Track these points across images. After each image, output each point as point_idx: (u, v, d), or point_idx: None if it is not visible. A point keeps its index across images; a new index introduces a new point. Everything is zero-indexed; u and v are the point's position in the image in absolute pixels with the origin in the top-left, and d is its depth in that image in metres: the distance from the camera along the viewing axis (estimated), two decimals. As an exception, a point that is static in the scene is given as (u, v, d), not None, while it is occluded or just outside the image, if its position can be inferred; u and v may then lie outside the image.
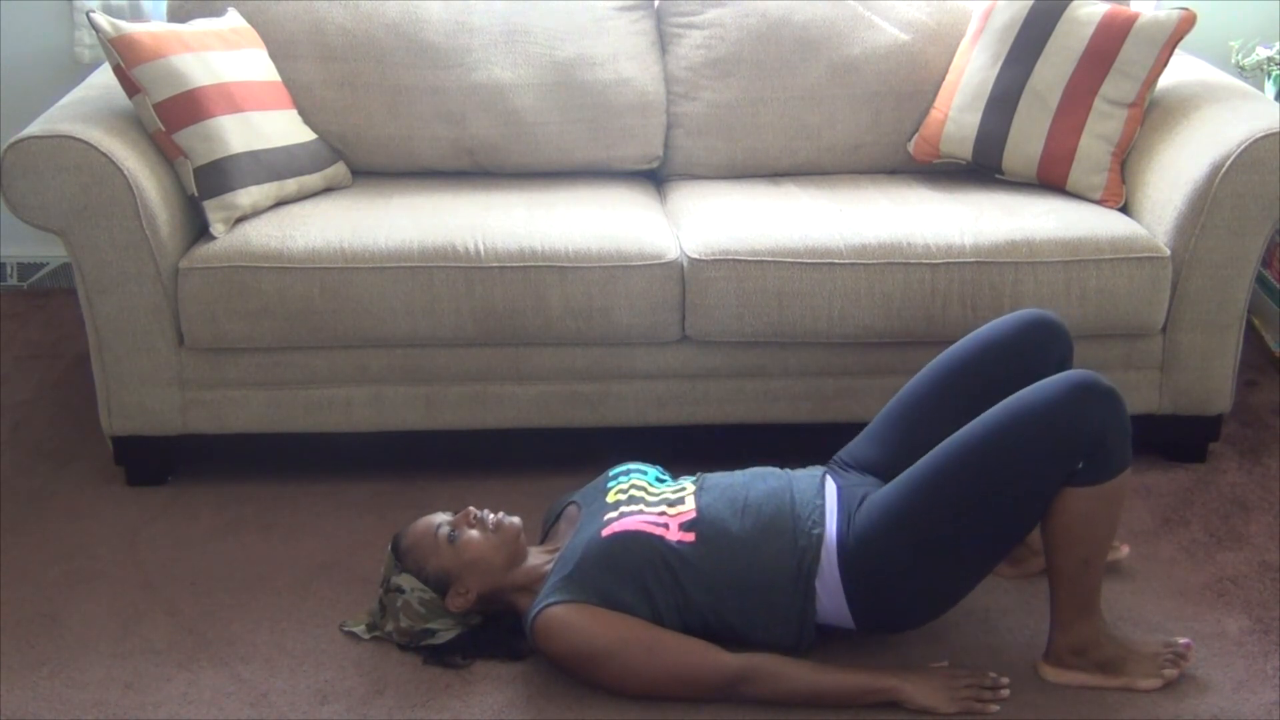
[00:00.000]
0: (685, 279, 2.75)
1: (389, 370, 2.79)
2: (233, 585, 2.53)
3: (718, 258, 2.74)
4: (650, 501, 2.32)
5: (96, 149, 2.62)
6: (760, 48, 3.18)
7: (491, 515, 2.32)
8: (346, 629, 2.40)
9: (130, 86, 2.75)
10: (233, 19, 3.04)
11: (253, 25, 3.06)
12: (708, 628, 2.23)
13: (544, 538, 2.50)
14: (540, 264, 2.71)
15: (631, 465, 2.47)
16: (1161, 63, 2.94)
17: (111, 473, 2.88)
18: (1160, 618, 2.43)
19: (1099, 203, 2.96)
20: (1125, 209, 2.96)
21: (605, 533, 2.23)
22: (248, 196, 2.80)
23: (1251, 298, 2.90)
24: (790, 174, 3.22)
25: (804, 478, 2.36)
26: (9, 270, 3.90)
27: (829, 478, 2.36)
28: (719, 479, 2.38)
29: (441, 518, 2.33)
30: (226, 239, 2.74)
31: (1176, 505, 2.80)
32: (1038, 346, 2.35)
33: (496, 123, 3.13)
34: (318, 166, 3.01)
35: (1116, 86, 2.94)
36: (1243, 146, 2.69)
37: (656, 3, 3.29)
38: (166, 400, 2.78)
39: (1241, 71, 3.47)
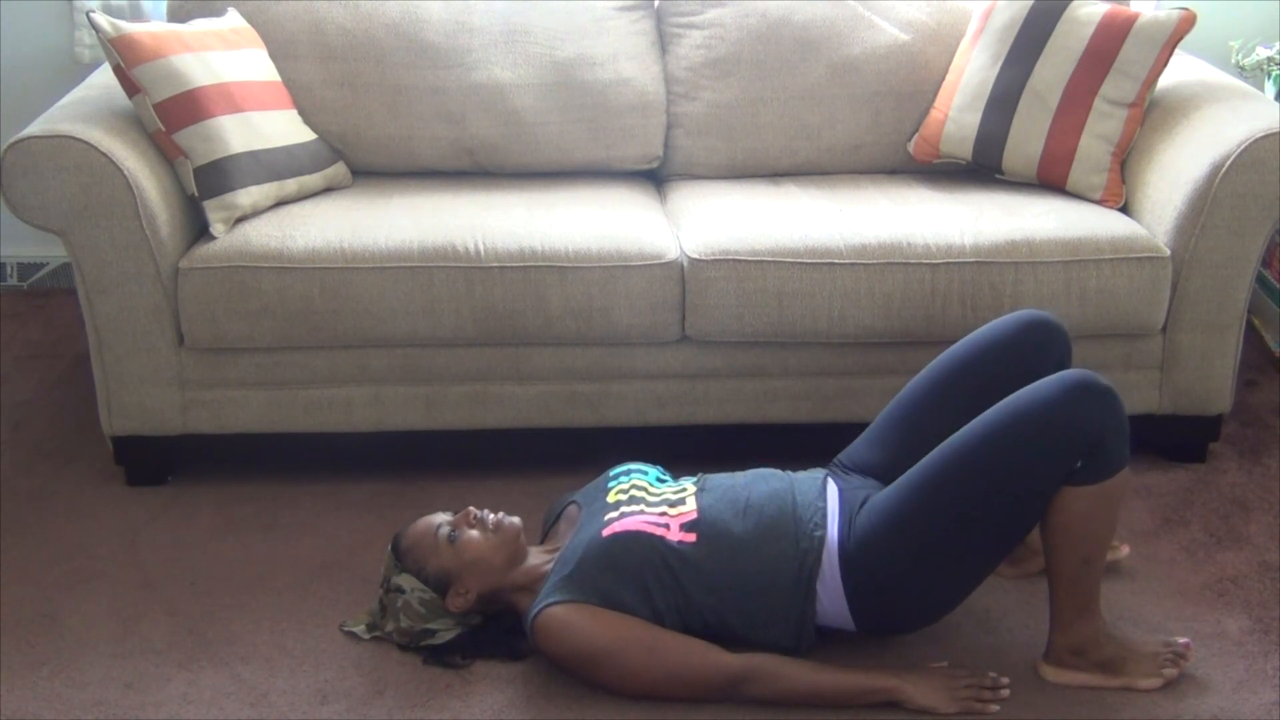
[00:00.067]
0: (685, 279, 2.75)
1: (389, 370, 2.79)
2: (233, 585, 2.53)
3: (718, 258, 2.74)
4: (651, 502, 2.32)
5: (96, 149, 2.62)
6: (760, 48, 3.18)
7: (491, 515, 2.32)
8: (346, 629, 2.40)
9: (130, 86, 2.75)
10: (233, 19, 3.04)
11: (253, 25, 3.06)
12: (708, 628, 2.23)
13: (544, 538, 2.50)
14: (540, 264, 2.71)
15: (632, 465, 2.47)
16: (1161, 63, 2.94)
17: (111, 473, 2.88)
18: (1160, 618, 2.43)
19: (1099, 203, 2.96)
20: (1125, 209, 2.96)
21: (606, 532, 2.24)
22: (248, 196, 2.80)
23: (1251, 298, 2.90)
24: (790, 174, 3.22)
25: (806, 480, 2.36)
26: (9, 270, 3.90)
27: (830, 480, 2.36)
28: (720, 480, 2.38)
29: (441, 518, 2.33)
30: (226, 239, 2.74)
31: (1176, 505, 2.80)
32: (1036, 347, 2.35)
33: (496, 123, 3.13)
34: (318, 166, 3.01)
35: (1116, 86, 2.94)
36: (1243, 146, 2.69)
37: (656, 3, 3.29)
38: (166, 400, 2.78)
39: (1241, 71, 3.47)
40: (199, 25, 2.93)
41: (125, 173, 2.63)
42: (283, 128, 2.95)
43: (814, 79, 3.19)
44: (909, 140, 3.21)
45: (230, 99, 2.81)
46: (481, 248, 2.72)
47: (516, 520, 2.33)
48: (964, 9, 3.21)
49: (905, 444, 2.33)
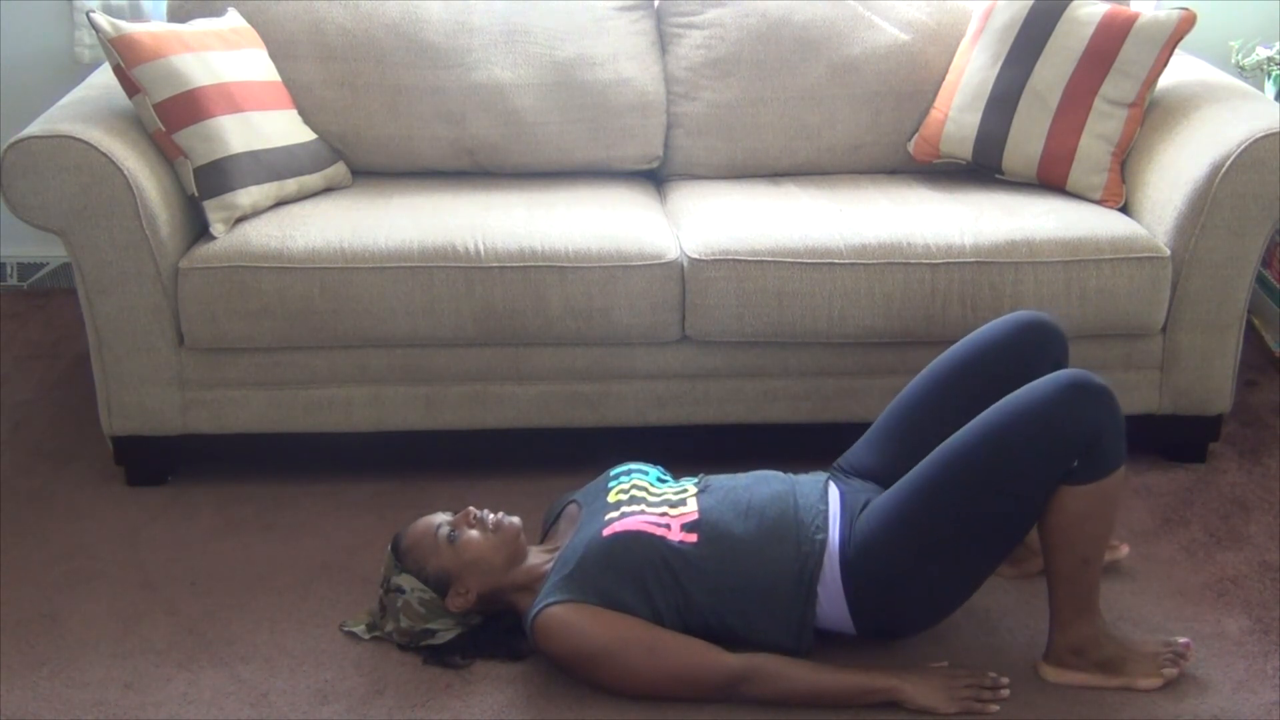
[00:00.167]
0: (685, 279, 2.75)
1: (389, 370, 2.79)
2: (233, 585, 2.53)
3: (718, 258, 2.74)
4: (651, 502, 2.32)
5: (96, 149, 2.62)
6: (760, 48, 3.18)
7: (491, 515, 2.32)
8: (346, 629, 2.40)
9: (130, 86, 2.75)
10: (233, 19, 3.04)
11: (253, 25, 3.06)
12: (708, 629, 2.23)
13: (544, 537, 2.50)
14: (540, 264, 2.71)
15: (632, 465, 2.47)
16: (1161, 63, 2.94)
17: (111, 473, 2.88)
18: (1160, 618, 2.43)
19: (1099, 203, 2.96)
20: (1125, 209, 2.96)
21: (606, 532, 2.23)
22: (248, 196, 2.80)
23: (1251, 298, 2.90)
24: (790, 174, 3.22)
25: (808, 482, 2.36)
26: (9, 270, 3.90)
27: (832, 484, 2.36)
28: (722, 481, 2.38)
29: (441, 518, 2.33)
30: (226, 239, 2.74)
31: (1176, 505, 2.80)
32: (1033, 348, 2.35)
33: (496, 123, 3.13)
34: (318, 166, 3.01)
35: (1116, 86, 2.94)
36: (1243, 146, 2.69)
37: (656, 3, 3.29)
38: (166, 400, 2.78)
39: (1241, 71, 3.47)
40: (199, 25, 2.93)
41: (125, 173, 2.63)
42: (283, 128, 2.95)
43: (814, 79, 3.19)
44: (909, 140, 3.21)
45: (230, 99, 2.81)
46: (481, 248, 2.72)
47: (516, 520, 2.33)
48: (964, 9, 3.21)
49: (904, 447, 2.33)
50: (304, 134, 3.02)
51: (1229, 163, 2.69)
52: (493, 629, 2.34)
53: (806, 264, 2.73)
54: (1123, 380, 2.84)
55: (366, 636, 2.37)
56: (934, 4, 3.23)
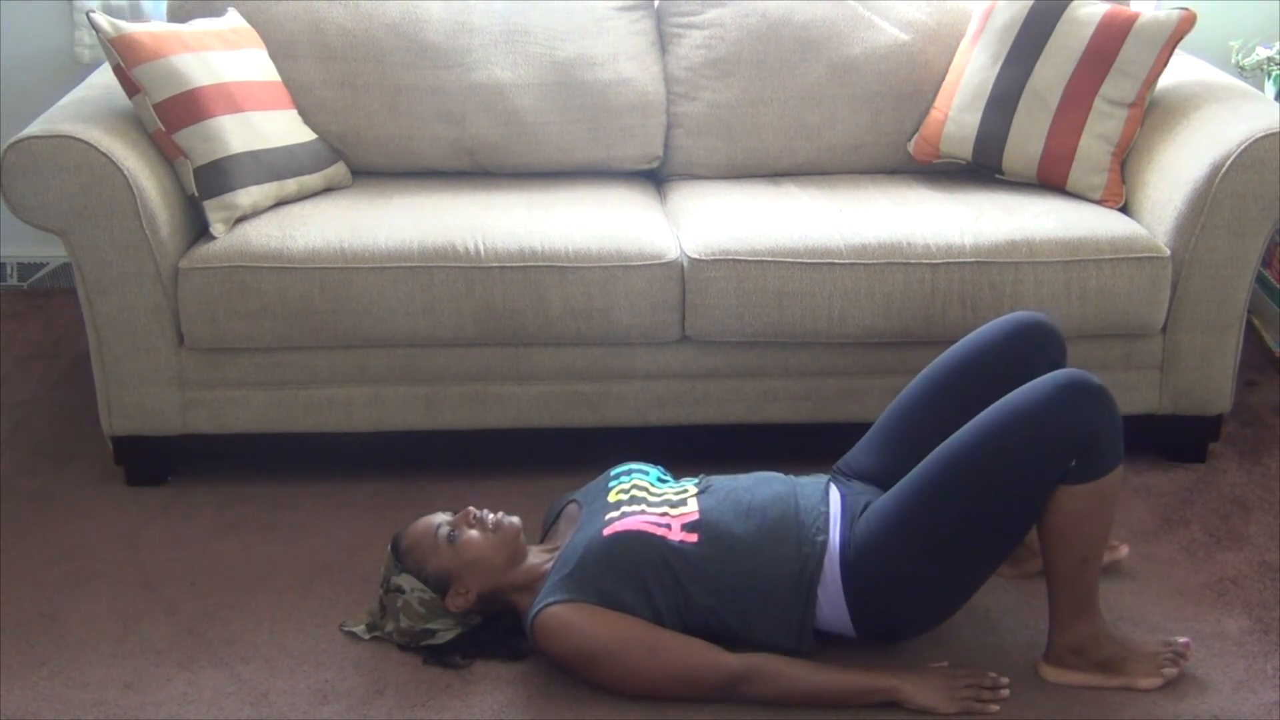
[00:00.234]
0: (685, 279, 2.75)
1: (389, 370, 2.79)
2: (233, 585, 2.53)
3: (718, 258, 2.74)
4: (652, 502, 2.32)
5: (96, 149, 2.62)
6: (760, 48, 3.18)
7: (491, 515, 2.32)
8: (346, 629, 2.40)
9: (130, 86, 2.75)
10: (233, 19, 3.04)
11: (253, 25, 3.06)
12: (708, 629, 2.23)
13: (544, 537, 2.50)
14: (540, 264, 2.71)
15: (633, 465, 2.47)
16: (1161, 63, 2.94)
17: (111, 473, 2.88)
18: (1160, 618, 2.43)
19: (1099, 203, 2.96)
20: (1125, 209, 2.96)
21: (607, 532, 2.23)
22: (248, 196, 2.80)
23: (1251, 298, 2.90)
24: (790, 174, 3.22)
25: (809, 484, 2.36)
26: (9, 270, 3.90)
27: (833, 486, 2.36)
28: (723, 482, 2.38)
29: (441, 518, 2.33)
30: (226, 239, 2.74)
31: (1176, 505, 2.80)
32: (1031, 350, 2.35)
33: (496, 123, 3.13)
34: (318, 166, 3.01)
35: (1116, 86, 2.94)
36: (1243, 146, 2.69)
37: (656, 3, 3.29)
38: (166, 400, 2.78)
39: (1241, 71, 3.47)
40: (199, 25, 2.93)
41: (125, 173, 2.63)
42: (283, 128, 2.95)
43: (814, 79, 3.19)
44: (909, 140, 3.21)
45: (230, 99, 2.81)
46: (481, 248, 2.72)
47: (516, 520, 2.33)
48: (964, 9, 3.21)
49: (903, 450, 2.33)
50: (304, 134, 3.02)
51: (1229, 163, 2.69)
52: (493, 629, 2.34)
53: (806, 264, 2.73)
54: (1123, 380, 2.84)
55: (366, 636, 2.37)
56: (934, 4, 3.23)
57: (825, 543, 2.23)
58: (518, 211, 2.88)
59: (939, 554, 2.17)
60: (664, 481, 2.45)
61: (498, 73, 3.13)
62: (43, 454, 3.00)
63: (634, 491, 2.36)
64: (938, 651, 2.31)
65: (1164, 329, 2.84)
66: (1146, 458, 2.93)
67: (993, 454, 2.13)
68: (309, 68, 3.12)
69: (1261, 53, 3.46)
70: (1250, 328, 3.37)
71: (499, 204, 2.93)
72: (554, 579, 2.22)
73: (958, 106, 3.09)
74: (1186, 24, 2.91)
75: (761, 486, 2.34)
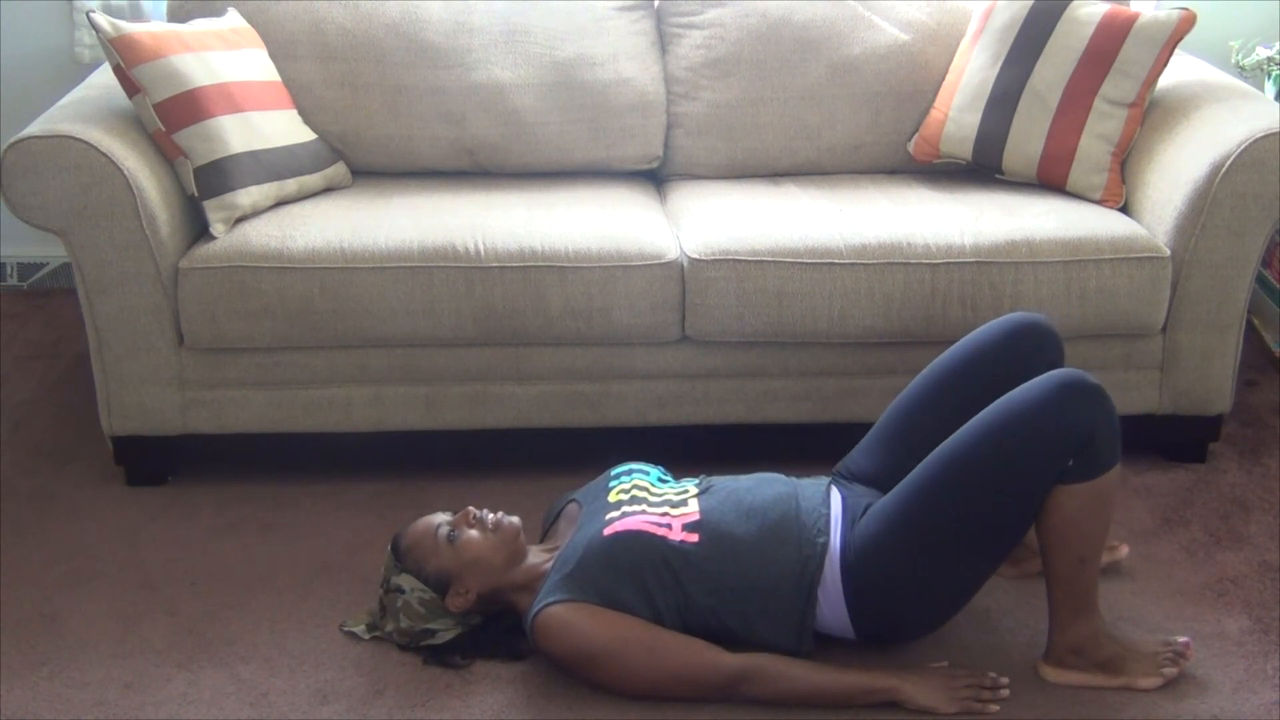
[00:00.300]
0: (685, 279, 2.75)
1: (389, 370, 2.79)
2: (233, 585, 2.53)
3: (718, 258, 2.74)
4: (653, 502, 2.32)
5: (96, 149, 2.62)
6: (760, 48, 3.18)
7: (491, 515, 2.32)
8: (346, 629, 2.40)
9: (130, 86, 2.75)
10: (233, 19, 3.04)
11: (253, 25, 3.06)
12: (708, 629, 2.23)
13: (544, 537, 2.50)
14: (540, 264, 2.71)
15: (633, 465, 2.47)
16: (1161, 63, 2.94)
17: (111, 473, 2.88)
18: (1160, 618, 2.43)
19: (1099, 203, 2.96)
20: (1125, 209, 2.96)
21: (607, 532, 2.23)
22: (248, 196, 2.80)
23: (1251, 298, 2.90)
24: (790, 174, 3.22)
25: (810, 486, 2.36)
26: (9, 270, 3.90)
27: (834, 488, 2.36)
28: (724, 482, 2.38)
29: (441, 518, 2.33)
30: (226, 239, 2.74)
31: (1176, 505, 2.80)
32: (1029, 350, 2.34)
33: (496, 123, 3.13)
34: (318, 166, 3.01)
35: (1116, 86, 2.94)
36: (1243, 146, 2.69)
37: (656, 3, 3.29)
38: (166, 400, 2.78)
39: (1241, 71, 3.47)
40: (199, 25, 2.93)
41: (125, 173, 2.63)
42: (283, 128, 2.95)
43: (814, 79, 3.19)
44: (909, 140, 3.21)
45: (230, 99, 2.81)
46: (481, 248, 2.72)
47: (516, 520, 2.33)
48: (964, 9, 3.21)
49: (902, 452, 2.32)
50: (304, 134, 3.02)
51: (1229, 163, 2.69)
52: (493, 629, 2.34)
53: (806, 264, 2.73)
54: (1123, 380, 2.84)
55: (366, 636, 2.37)
56: (934, 4, 3.23)
57: (826, 544, 2.23)
58: (518, 211, 2.88)
59: (938, 555, 2.17)
60: (664, 482, 2.45)
61: (498, 73, 3.13)
62: (43, 454, 3.00)
63: (635, 491, 2.36)
64: (938, 651, 2.31)
65: (1164, 329, 2.84)
66: (1146, 458, 2.93)
67: (990, 454, 2.13)
68: (309, 68, 3.12)
69: (1261, 53, 3.46)
70: (1250, 328, 3.37)
71: (499, 204, 2.93)
72: (554, 579, 2.22)
73: (958, 106, 3.09)
74: (1186, 24, 2.91)
75: (763, 487, 2.34)
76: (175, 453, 2.86)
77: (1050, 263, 2.74)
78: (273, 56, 3.06)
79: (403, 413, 2.82)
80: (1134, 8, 3.10)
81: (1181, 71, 3.09)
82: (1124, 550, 2.56)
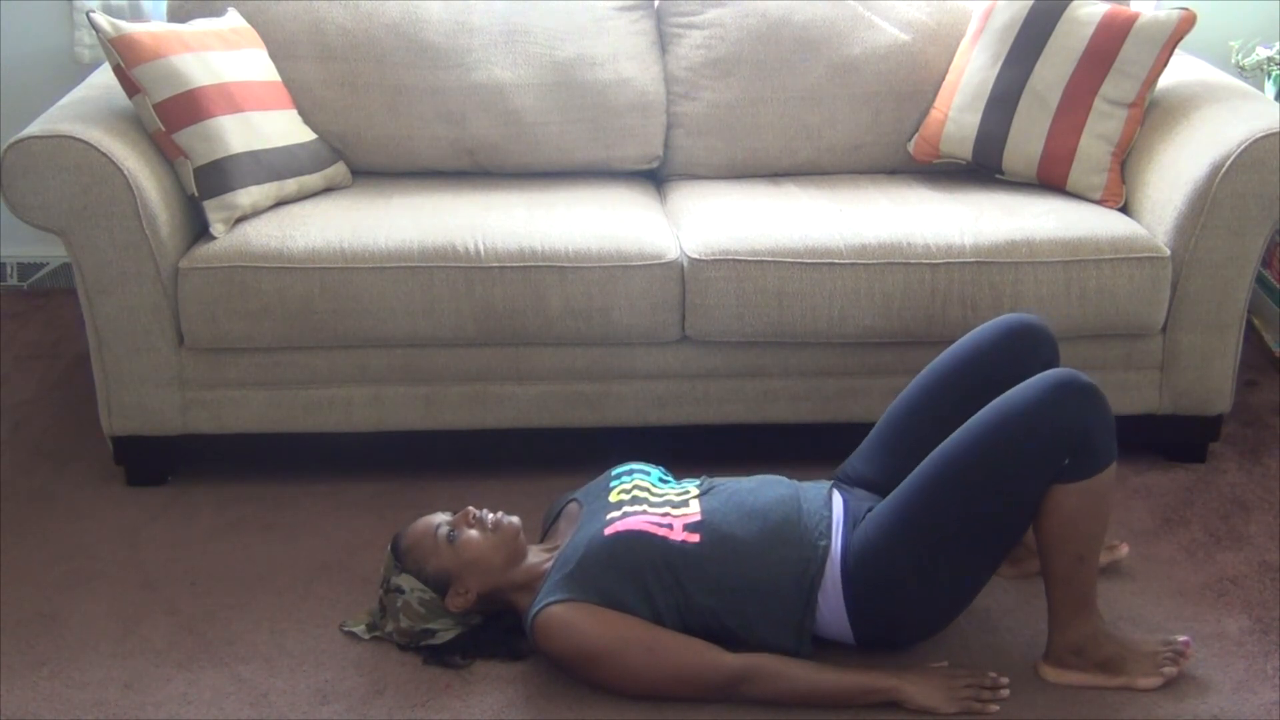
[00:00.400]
0: (685, 279, 2.75)
1: (389, 370, 2.79)
2: (233, 585, 2.53)
3: (718, 258, 2.74)
4: (654, 502, 2.32)
5: (96, 149, 2.62)
6: (760, 48, 3.18)
7: (490, 515, 2.32)
8: (346, 629, 2.40)
9: (130, 86, 2.75)
10: (233, 19, 3.04)
11: (253, 25, 3.06)
12: (708, 630, 2.22)
13: (544, 536, 2.50)
14: (540, 264, 2.71)
15: (634, 465, 2.47)
16: (1161, 63, 2.94)
17: (111, 473, 2.88)
18: (1160, 618, 2.43)
19: (1099, 203, 2.96)
20: (1125, 209, 2.96)
21: (608, 531, 2.23)
22: (248, 196, 2.80)
23: (1251, 298, 2.90)
24: (790, 174, 3.22)
25: (812, 489, 2.36)
26: (9, 270, 3.90)
27: (836, 492, 2.36)
28: (725, 483, 2.38)
29: (441, 518, 2.33)
30: (226, 239, 2.75)
31: (1176, 505, 2.80)
32: (1024, 352, 2.34)
33: (496, 123, 3.13)
34: (318, 166, 3.01)
35: (1116, 86, 2.94)
36: (1243, 146, 2.69)
37: (656, 3, 3.29)
38: (166, 400, 2.78)
39: (1241, 71, 3.47)
40: (199, 25, 2.93)
41: (125, 173, 2.63)
42: (283, 128, 2.95)
43: (814, 79, 3.19)
44: (909, 140, 3.21)
45: (230, 99, 2.81)
46: (481, 248, 2.72)
47: (515, 520, 2.32)
48: (964, 9, 3.21)
49: (900, 457, 2.32)
50: (304, 134, 3.02)
51: (1229, 163, 2.69)
52: (493, 629, 2.34)
53: (806, 264, 2.73)
54: (1123, 380, 2.84)
55: (366, 636, 2.37)
56: (934, 4, 3.23)
57: (828, 547, 2.23)
58: (518, 211, 2.88)
59: (936, 557, 2.17)
60: (665, 482, 2.45)
61: (498, 73, 3.13)
62: (43, 454, 3.00)
63: (635, 491, 2.35)
64: (938, 651, 2.31)
65: (1164, 329, 2.84)
66: (1146, 458, 2.93)
67: (986, 455, 2.13)
68: (309, 68, 3.12)
69: (1261, 53, 3.46)
70: (1250, 328, 3.37)
71: (499, 204, 2.93)
72: (554, 578, 2.22)
73: (958, 106, 3.09)
74: (1186, 24, 2.91)
75: (765, 489, 2.34)
76: (175, 453, 2.86)
77: (1050, 263, 2.74)
78: (273, 56, 3.06)
79: (403, 413, 2.82)
80: (1134, 8, 3.10)
81: (1181, 71, 3.09)
82: (1124, 549, 2.56)
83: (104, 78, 3.01)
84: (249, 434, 2.82)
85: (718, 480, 2.41)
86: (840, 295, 2.73)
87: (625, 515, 2.27)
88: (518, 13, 3.17)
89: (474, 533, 2.29)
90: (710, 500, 2.32)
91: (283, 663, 2.32)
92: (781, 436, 2.88)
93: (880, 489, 2.33)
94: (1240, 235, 2.75)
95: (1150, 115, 2.99)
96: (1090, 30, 2.96)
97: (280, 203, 2.90)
